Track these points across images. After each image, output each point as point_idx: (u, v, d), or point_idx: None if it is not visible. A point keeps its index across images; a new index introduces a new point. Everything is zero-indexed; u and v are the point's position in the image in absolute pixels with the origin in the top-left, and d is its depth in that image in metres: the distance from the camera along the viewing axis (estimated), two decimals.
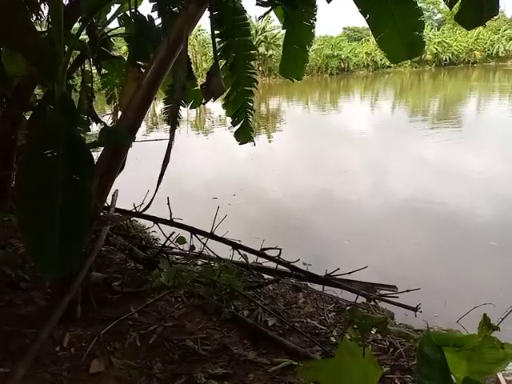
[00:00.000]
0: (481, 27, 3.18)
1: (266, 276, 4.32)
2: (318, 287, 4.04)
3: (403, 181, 9.38)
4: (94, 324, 3.15)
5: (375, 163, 10.95)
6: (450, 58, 49.62)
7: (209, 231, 4.20)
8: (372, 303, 3.69)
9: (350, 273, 3.81)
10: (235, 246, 4.17)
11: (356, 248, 5.97)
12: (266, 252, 4.17)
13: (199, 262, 4.34)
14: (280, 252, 4.05)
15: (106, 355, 2.84)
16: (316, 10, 3.67)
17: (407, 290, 3.43)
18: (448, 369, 1.50)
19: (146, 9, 3.76)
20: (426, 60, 48.49)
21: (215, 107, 21.08)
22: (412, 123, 17.08)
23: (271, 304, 3.68)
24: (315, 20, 3.71)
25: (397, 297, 3.52)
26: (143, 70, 3.16)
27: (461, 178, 9.24)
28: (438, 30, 53.02)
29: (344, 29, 62.48)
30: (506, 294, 4.26)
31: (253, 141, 4.47)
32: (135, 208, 4.67)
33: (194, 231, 4.26)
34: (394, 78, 43.07)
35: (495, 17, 3.12)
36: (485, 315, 1.54)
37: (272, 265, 4.18)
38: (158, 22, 3.56)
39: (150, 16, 3.47)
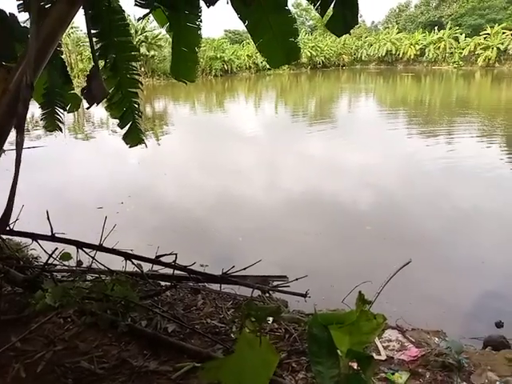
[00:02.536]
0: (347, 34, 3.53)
1: (163, 283, 4.24)
2: (216, 287, 4.09)
3: (292, 177, 10.00)
4: None
5: (265, 162, 11.46)
6: (322, 61, 54.20)
7: (97, 243, 3.95)
8: (267, 295, 3.87)
9: (244, 268, 3.91)
10: (127, 256, 3.98)
11: (250, 244, 6.21)
12: (161, 259, 4.07)
13: (89, 278, 4.06)
14: (176, 257, 3.99)
15: None
16: (201, 12, 3.66)
17: (296, 279, 3.65)
18: (334, 344, 1.66)
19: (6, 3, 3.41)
20: (303, 63, 52.11)
21: (94, 110, 19.81)
22: (294, 123, 18.24)
23: (170, 310, 3.63)
24: (201, 22, 3.70)
25: (288, 286, 3.74)
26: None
27: (342, 171, 10.20)
28: (311, 35, 57.52)
29: (225, 31, 63.90)
30: (380, 271, 4.84)
31: (144, 143, 4.34)
32: (8, 225, 4.17)
33: (79, 245, 3.96)
34: (275, 79, 45.40)
35: (357, 26, 3.50)
36: (359, 292, 1.75)
37: (169, 271, 4.11)
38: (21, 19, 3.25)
39: (11, 14, 3.14)
